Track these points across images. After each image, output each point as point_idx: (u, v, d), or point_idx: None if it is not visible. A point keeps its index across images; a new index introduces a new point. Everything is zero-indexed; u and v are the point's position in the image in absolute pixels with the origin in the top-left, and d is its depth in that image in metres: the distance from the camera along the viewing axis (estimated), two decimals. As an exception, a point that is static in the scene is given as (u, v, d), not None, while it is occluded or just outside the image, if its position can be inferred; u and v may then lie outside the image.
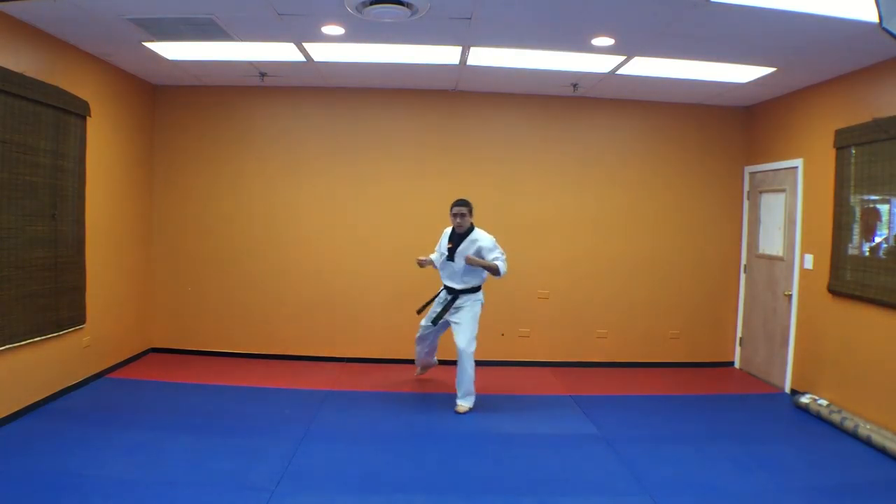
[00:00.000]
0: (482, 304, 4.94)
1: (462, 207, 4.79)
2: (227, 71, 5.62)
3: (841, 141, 4.88)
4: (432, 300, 5.06)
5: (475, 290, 4.90)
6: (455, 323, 4.86)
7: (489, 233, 4.82)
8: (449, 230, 4.96)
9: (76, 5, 3.90)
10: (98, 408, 4.62)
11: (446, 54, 4.92)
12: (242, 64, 5.34)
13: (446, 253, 4.86)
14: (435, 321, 4.96)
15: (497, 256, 4.71)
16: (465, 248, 4.75)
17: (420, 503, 3.31)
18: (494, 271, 4.68)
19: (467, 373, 4.76)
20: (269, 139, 6.27)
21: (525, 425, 4.57)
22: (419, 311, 5.10)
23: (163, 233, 6.31)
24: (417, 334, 5.24)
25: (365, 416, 4.68)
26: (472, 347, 4.79)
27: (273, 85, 6.09)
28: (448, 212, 4.85)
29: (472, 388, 4.82)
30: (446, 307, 4.89)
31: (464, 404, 4.80)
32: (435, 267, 5.02)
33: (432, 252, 5.11)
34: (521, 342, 6.39)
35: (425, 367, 5.61)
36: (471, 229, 4.82)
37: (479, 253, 4.72)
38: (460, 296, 4.86)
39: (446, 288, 4.94)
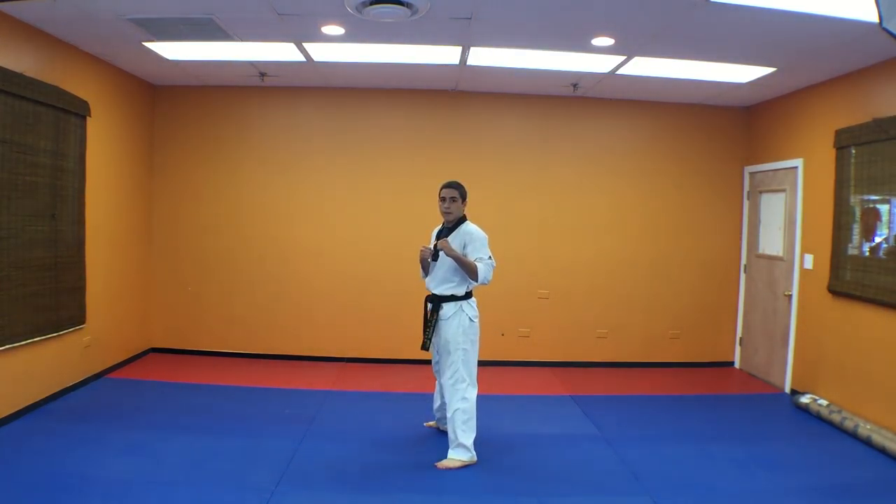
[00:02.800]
0: (475, 322, 3.84)
1: (452, 190, 3.82)
2: (227, 71, 5.62)
3: (841, 141, 4.88)
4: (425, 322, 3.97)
5: (461, 298, 3.82)
6: (441, 349, 3.86)
7: (484, 231, 3.87)
8: (436, 230, 4.07)
9: (76, 5, 3.90)
10: (98, 408, 4.62)
11: (446, 54, 4.92)
12: (242, 64, 5.34)
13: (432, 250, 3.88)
14: (426, 345, 3.86)
15: (481, 258, 3.74)
16: (452, 242, 3.79)
17: (420, 503, 3.31)
18: (472, 273, 3.70)
19: (453, 420, 3.72)
20: (269, 139, 6.27)
21: (525, 425, 4.57)
22: (425, 347, 3.93)
23: (163, 232, 6.31)
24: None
25: (365, 416, 4.68)
26: (462, 385, 3.73)
27: (273, 85, 6.09)
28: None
29: (465, 437, 3.72)
30: (429, 322, 3.84)
31: (452, 457, 3.72)
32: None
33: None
34: (521, 342, 6.38)
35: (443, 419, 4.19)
36: (461, 221, 3.89)
37: (464, 247, 3.77)
38: (442, 306, 3.82)
39: (428, 298, 3.95)
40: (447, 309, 3.82)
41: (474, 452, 3.76)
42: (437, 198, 3.91)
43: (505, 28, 4.28)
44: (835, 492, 3.52)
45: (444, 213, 3.88)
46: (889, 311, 4.34)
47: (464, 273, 3.77)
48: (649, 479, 3.63)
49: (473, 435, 3.77)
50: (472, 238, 3.80)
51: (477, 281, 3.76)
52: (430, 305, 3.91)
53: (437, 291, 3.84)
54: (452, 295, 3.81)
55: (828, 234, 5.01)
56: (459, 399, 3.73)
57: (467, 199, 3.92)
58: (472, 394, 3.79)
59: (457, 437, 3.72)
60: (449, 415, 3.76)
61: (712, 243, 6.47)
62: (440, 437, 4.15)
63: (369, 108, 6.26)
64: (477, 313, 3.90)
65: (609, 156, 6.40)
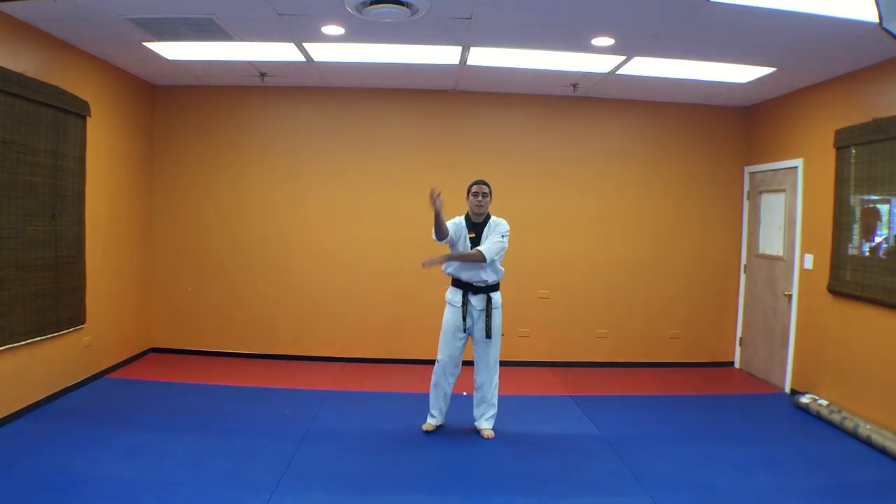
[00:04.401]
0: None
1: (485, 186, 4.15)
2: (227, 71, 5.62)
3: (841, 141, 4.88)
4: (464, 316, 4.18)
5: (498, 286, 4.26)
6: (485, 335, 4.20)
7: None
8: (458, 220, 4.24)
9: (76, 5, 3.90)
10: (98, 408, 4.62)
11: (446, 54, 4.92)
12: (242, 64, 5.34)
13: (469, 245, 4.16)
14: (488, 332, 4.17)
15: (496, 240, 4.09)
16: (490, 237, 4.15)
17: (420, 503, 3.32)
18: (478, 260, 4.04)
19: (493, 389, 4.27)
20: (269, 139, 6.27)
21: (525, 425, 4.57)
22: (489, 335, 4.25)
23: (163, 233, 6.31)
24: (438, 374, 4.32)
25: (365, 416, 4.68)
26: (497, 365, 4.30)
27: (273, 85, 6.10)
28: (449, 207, 4.21)
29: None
30: (488, 311, 4.17)
31: (491, 426, 4.31)
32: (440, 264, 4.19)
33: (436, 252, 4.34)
34: (521, 342, 6.38)
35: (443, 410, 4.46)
36: (488, 216, 4.22)
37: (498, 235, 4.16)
38: (492, 296, 4.21)
39: (472, 289, 4.17)
40: (496, 298, 4.24)
41: None
42: (468, 194, 4.20)
43: (505, 28, 4.28)
44: (835, 492, 3.52)
45: (476, 207, 4.17)
46: (889, 311, 4.34)
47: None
48: (649, 479, 3.63)
49: None
50: (499, 226, 4.16)
51: (487, 261, 4.04)
52: (472, 296, 4.18)
53: (491, 280, 4.18)
54: (497, 283, 4.23)
55: (828, 234, 5.02)
56: (497, 375, 4.27)
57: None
58: None
59: (496, 404, 4.29)
60: (491, 389, 4.25)
61: (712, 243, 6.48)
62: (439, 437, 4.16)
63: (369, 108, 6.26)
64: None
65: (608, 156, 6.40)
